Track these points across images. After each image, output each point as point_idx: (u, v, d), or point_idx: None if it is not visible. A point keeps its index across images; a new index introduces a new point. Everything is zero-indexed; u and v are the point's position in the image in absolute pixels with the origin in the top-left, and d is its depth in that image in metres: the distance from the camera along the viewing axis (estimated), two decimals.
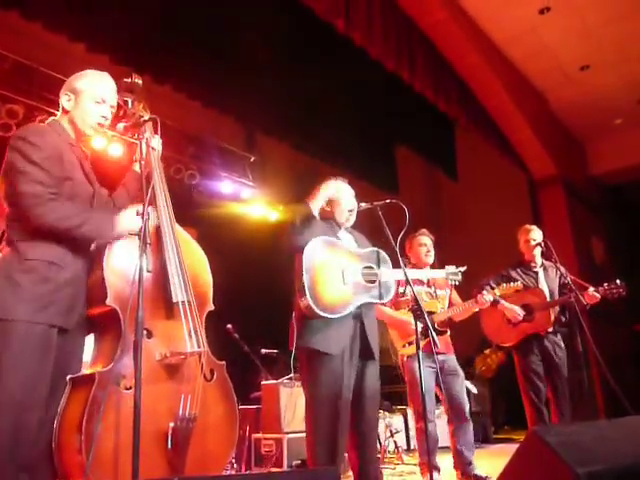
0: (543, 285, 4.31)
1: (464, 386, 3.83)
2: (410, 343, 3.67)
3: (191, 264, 2.32)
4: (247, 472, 4.58)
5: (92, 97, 2.22)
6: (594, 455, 1.50)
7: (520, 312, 4.14)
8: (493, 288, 3.91)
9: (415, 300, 2.91)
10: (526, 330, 4.17)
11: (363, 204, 3.08)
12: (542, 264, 4.39)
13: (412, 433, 5.90)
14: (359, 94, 6.65)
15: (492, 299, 3.82)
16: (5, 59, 4.94)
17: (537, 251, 4.33)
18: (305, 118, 6.36)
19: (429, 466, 3.32)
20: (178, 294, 2.17)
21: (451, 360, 3.82)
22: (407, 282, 2.93)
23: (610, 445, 1.65)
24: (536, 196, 8.63)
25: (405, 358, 3.76)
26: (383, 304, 3.37)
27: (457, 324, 3.95)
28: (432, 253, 3.95)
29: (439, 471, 3.62)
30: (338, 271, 2.81)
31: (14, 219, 2.06)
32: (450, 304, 3.95)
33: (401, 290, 3.78)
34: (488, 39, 6.76)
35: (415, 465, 4.83)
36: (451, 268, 3.38)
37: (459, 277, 3.38)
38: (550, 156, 8.14)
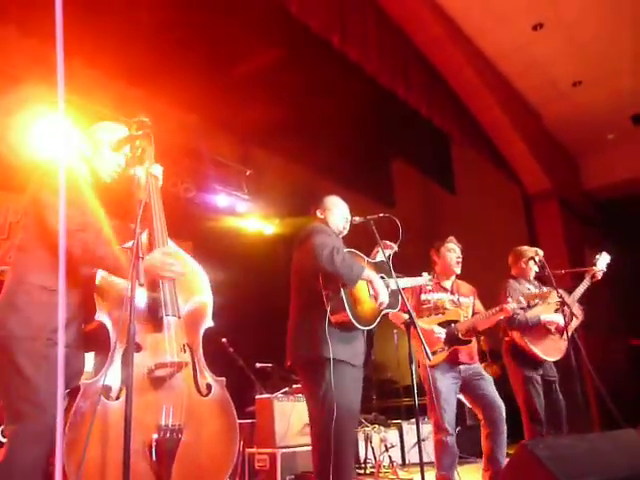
0: None
1: (494, 387, 3.66)
2: (434, 352, 3.57)
3: (187, 282, 2.35)
4: None
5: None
6: (584, 468, 1.50)
7: (556, 319, 3.98)
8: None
9: (408, 312, 2.90)
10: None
11: (357, 218, 3.09)
12: (530, 279, 4.38)
13: (407, 448, 5.86)
14: (355, 107, 6.69)
15: (516, 307, 3.72)
16: None
17: (532, 274, 4.32)
18: (300, 131, 6.39)
19: None
20: (163, 309, 2.20)
21: (475, 367, 3.70)
22: (400, 293, 2.90)
23: (601, 458, 1.64)
24: (531, 210, 8.68)
25: (428, 368, 3.64)
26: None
27: None
28: (460, 262, 3.87)
29: None
30: (364, 283, 2.84)
31: (22, 249, 2.16)
32: (474, 313, 3.84)
33: (423, 297, 3.75)
34: (482, 55, 6.83)
35: None
36: (426, 275, 3.50)
37: (432, 282, 3.60)
38: (543, 170, 8.20)
